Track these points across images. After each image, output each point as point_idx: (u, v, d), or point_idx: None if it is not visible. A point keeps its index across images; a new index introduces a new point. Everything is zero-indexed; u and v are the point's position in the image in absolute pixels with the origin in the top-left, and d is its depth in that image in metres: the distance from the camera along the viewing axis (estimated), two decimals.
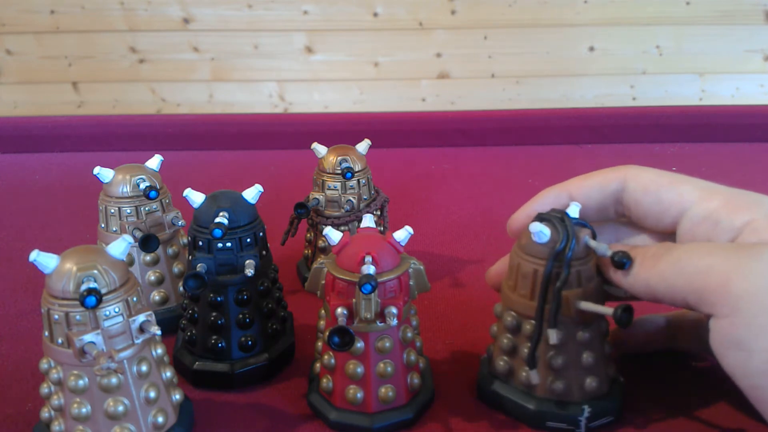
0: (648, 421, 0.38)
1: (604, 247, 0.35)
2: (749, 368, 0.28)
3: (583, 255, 0.35)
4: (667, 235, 0.36)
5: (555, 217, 0.35)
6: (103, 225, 0.48)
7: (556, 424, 0.37)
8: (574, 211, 0.36)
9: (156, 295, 0.48)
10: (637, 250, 0.34)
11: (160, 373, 0.35)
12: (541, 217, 0.36)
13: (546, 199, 0.39)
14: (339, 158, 0.53)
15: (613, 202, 0.38)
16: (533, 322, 0.36)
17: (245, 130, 1.06)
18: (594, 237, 0.36)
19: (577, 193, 0.38)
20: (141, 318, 0.33)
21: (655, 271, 0.32)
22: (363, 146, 0.55)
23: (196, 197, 0.42)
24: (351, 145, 0.55)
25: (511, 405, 0.38)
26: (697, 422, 0.38)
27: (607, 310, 0.34)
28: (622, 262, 0.34)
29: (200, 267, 0.40)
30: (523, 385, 0.38)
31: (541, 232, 0.34)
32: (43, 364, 0.33)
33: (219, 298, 0.41)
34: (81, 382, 0.32)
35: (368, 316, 0.35)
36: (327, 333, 0.35)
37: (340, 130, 0.99)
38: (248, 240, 0.41)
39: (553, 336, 0.35)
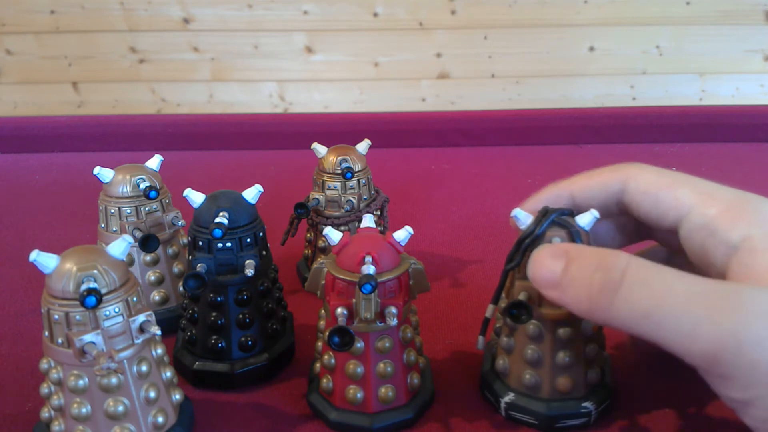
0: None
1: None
2: (748, 417, 0.27)
3: None
4: (672, 233, 0.35)
5: (542, 210, 0.36)
6: (103, 225, 0.48)
7: (520, 415, 0.38)
8: (585, 218, 0.36)
9: (156, 295, 0.48)
10: (574, 278, 0.30)
11: (160, 373, 0.35)
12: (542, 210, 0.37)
13: (548, 196, 0.39)
14: (339, 158, 0.53)
15: (615, 201, 0.37)
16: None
17: (245, 130, 1.06)
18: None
19: (579, 192, 0.38)
20: (141, 318, 0.33)
21: (616, 315, 0.28)
22: (363, 146, 0.55)
23: (196, 197, 0.42)
24: (351, 145, 0.55)
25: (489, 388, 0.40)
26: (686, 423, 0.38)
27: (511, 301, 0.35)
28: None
29: (200, 267, 0.40)
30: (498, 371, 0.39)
31: (516, 216, 0.36)
32: (43, 364, 0.33)
33: (219, 298, 0.41)
34: (81, 382, 0.32)
35: (368, 316, 0.35)
36: (327, 333, 0.35)
37: (340, 130, 0.99)
38: (248, 240, 0.41)
39: (489, 309, 0.38)
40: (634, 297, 0.27)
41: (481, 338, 0.39)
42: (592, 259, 0.30)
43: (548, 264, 0.31)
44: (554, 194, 0.39)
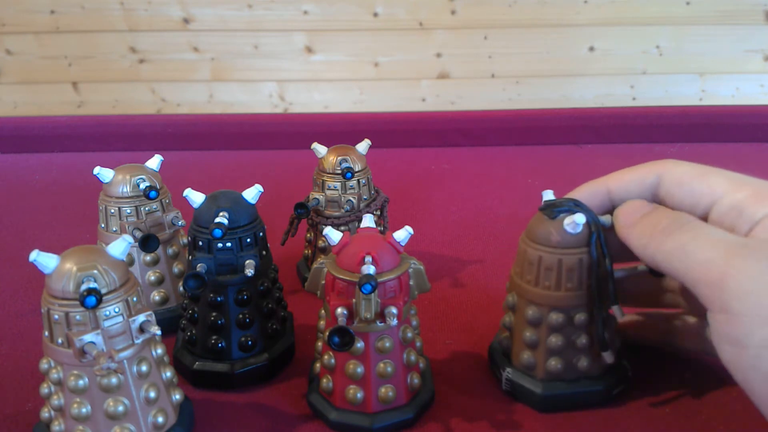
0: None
1: (610, 221, 0.37)
2: (741, 363, 0.29)
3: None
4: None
5: (570, 205, 0.37)
6: (103, 225, 0.48)
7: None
8: (548, 194, 0.38)
9: (156, 295, 0.48)
10: (647, 220, 0.35)
11: (160, 373, 0.35)
12: (552, 205, 0.37)
13: (584, 193, 0.39)
14: (339, 158, 0.53)
15: (650, 195, 0.38)
16: (558, 312, 0.38)
17: (245, 130, 1.06)
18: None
19: (615, 187, 0.39)
20: (141, 318, 0.33)
21: (662, 249, 0.33)
22: (363, 146, 0.55)
23: (196, 197, 0.42)
24: (351, 145, 0.55)
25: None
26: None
27: (643, 267, 0.37)
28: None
29: (200, 267, 0.40)
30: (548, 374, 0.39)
31: (577, 222, 0.36)
32: (43, 364, 0.33)
33: (219, 298, 0.41)
34: (81, 382, 0.32)
35: (368, 316, 0.35)
36: (327, 333, 0.35)
37: (340, 130, 0.99)
38: (248, 240, 0.41)
39: (618, 312, 0.38)
40: (681, 236, 0.33)
41: (609, 353, 0.38)
42: (667, 212, 0.35)
43: (637, 207, 0.37)
44: (590, 190, 0.39)
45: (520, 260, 0.39)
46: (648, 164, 0.39)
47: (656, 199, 0.39)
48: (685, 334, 0.42)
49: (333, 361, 0.37)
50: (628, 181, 0.39)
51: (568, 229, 0.36)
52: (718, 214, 0.35)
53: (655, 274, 0.37)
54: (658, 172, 0.38)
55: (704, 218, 0.36)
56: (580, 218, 0.36)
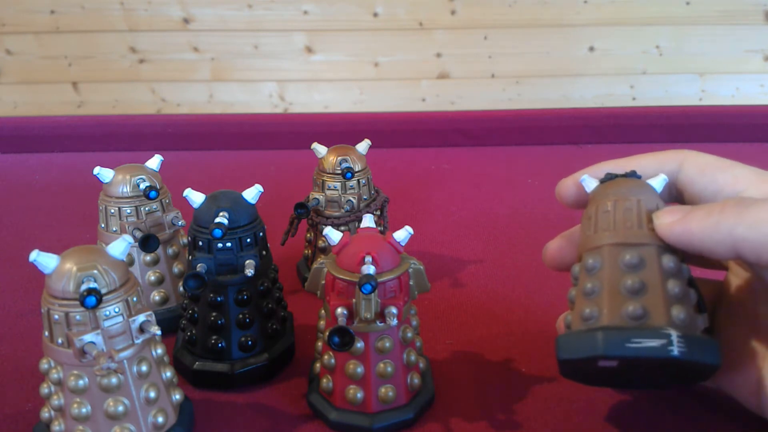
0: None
1: None
2: None
3: None
4: None
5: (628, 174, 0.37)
6: (103, 225, 0.48)
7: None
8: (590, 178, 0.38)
9: (156, 295, 0.48)
10: (705, 208, 0.32)
11: (160, 373, 0.35)
12: (613, 175, 0.37)
13: (599, 171, 0.39)
14: (339, 158, 0.53)
15: (671, 182, 0.38)
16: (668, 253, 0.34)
17: (245, 130, 1.06)
18: None
19: (638, 169, 0.38)
20: (141, 318, 0.33)
21: (744, 217, 0.30)
22: (363, 146, 0.55)
23: (196, 197, 0.42)
24: (351, 145, 0.55)
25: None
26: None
27: None
28: None
29: (200, 267, 0.40)
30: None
31: (661, 181, 0.36)
32: (43, 364, 0.33)
33: (219, 298, 0.41)
34: (81, 382, 0.32)
35: (368, 316, 0.35)
36: (327, 333, 0.35)
37: (340, 130, 0.99)
38: (248, 240, 0.41)
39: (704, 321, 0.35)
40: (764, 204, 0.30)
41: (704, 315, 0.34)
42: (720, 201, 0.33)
43: (676, 207, 0.34)
44: (611, 168, 0.39)
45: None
46: (669, 151, 0.38)
47: (676, 186, 0.38)
48: None
49: (333, 361, 0.37)
50: (646, 164, 0.38)
51: (656, 186, 0.36)
52: None
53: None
54: (679, 159, 0.37)
55: None
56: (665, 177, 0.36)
